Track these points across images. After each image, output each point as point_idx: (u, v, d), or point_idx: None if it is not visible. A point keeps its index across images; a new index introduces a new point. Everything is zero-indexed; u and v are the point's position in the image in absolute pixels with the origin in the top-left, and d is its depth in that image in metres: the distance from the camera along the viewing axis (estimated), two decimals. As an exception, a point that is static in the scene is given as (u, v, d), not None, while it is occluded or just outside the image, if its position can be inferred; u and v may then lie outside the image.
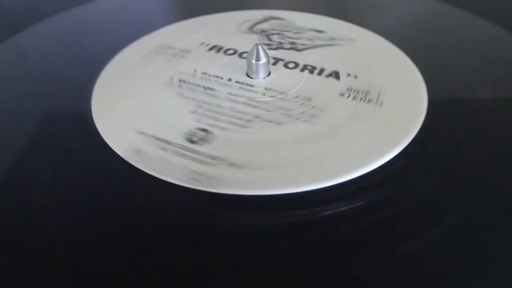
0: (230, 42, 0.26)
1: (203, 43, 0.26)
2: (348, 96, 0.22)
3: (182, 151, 0.19)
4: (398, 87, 0.22)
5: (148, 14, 0.32)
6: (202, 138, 0.20)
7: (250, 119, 0.21)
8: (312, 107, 0.21)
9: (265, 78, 0.23)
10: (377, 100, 0.21)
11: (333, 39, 0.26)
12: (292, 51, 0.25)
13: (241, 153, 0.19)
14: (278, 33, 0.27)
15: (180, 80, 0.23)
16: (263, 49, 0.23)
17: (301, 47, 0.26)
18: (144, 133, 0.20)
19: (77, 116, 0.22)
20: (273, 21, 0.29)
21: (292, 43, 0.26)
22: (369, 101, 0.21)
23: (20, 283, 0.15)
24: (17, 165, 0.19)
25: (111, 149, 0.19)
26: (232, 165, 0.18)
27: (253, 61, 0.23)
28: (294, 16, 0.29)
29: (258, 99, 0.22)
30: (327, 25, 0.28)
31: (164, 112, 0.21)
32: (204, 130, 0.20)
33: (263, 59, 0.23)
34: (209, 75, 0.23)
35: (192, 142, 0.19)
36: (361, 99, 0.22)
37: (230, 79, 0.23)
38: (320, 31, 0.27)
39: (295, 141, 0.19)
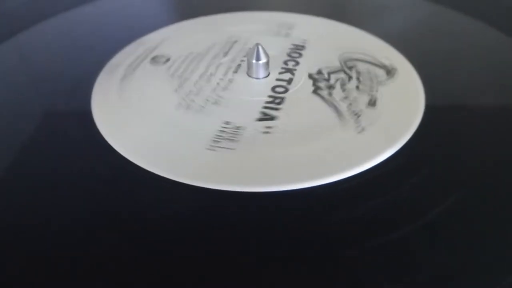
0: (312, 51, 0.25)
1: (304, 41, 0.26)
2: (223, 128, 0.20)
3: (143, 55, 0.25)
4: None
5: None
6: (157, 62, 0.25)
7: (183, 75, 0.23)
8: (192, 103, 0.21)
9: (254, 78, 0.23)
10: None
11: (356, 116, 0.20)
12: (310, 89, 0.22)
13: (132, 84, 0.23)
14: (349, 76, 0.23)
15: (234, 42, 0.26)
16: (263, 50, 0.22)
17: (322, 93, 0.22)
18: (164, 40, 0.27)
19: (78, 114, 0.22)
20: (378, 71, 0.23)
21: (330, 87, 0.22)
22: (216, 141, 0.19)
23: (22, 284, 0.15)
24: (18, 164, 0.19)
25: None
26: (122, 78, 0.23)
27: (253, 61, 0.23)
28: (406, 79, 0.23)
29: (213, 81, 0.23)
30: (397, 107, 0.21)
31: (187, 44, 0.26)
32: (167, 60, 0.25)
33: (263, 59, 0.23)
34: (246, 55, 0.25)
35: (153, 58, 0.25)
36: (218, 136, 0.19)
37: (240, 61, 0.24)
38: (372, 104, 0.21)
39: (168, 117, 0.21)
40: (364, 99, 0.22)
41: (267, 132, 0.20)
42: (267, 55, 0.23)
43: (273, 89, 0.22)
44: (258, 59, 0.23)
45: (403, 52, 0.25)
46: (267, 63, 0.23)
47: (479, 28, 0.28)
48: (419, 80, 0.23)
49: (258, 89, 0.22)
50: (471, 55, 0.26)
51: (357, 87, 0.22)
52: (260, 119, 0.20)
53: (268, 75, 0.23)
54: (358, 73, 0.23)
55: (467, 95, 0.23)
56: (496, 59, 0.26)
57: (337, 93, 0.22)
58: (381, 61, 0.24)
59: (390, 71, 0.24)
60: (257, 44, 0.23)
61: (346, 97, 0.22)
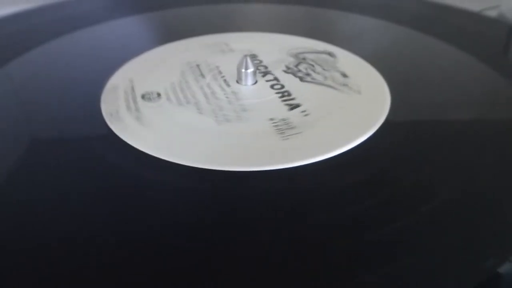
0: (265, 56, 0.30)
1: (250, 51, 0.31)
2: (274, 123, 0.23)
3: (129, 97, 0.25)
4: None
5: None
6: (150, 98, 0.25)
7: (190, 101, 0.25)
8: (227, 116, 0.24)
9: (245, 85, 0.26)
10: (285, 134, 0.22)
11: (345, 85, 0.26)
12: (296, 79, 0.27)
13: (152, 118, 0.24)
14: (310, 65, 0.29)
15: (196, 65, 0.29)
16: (251, 60, 0.26)
17: (308, 79, 0.27)
18: (132, 80, 0.27)
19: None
20: (323, 56, 0.30)
21: (307, 74, 0.28)
22: (281, 133, 0.22)
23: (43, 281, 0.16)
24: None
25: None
26: (137, 119, 0.23)
27: (242, 70, 0.26)
28: (346, 57, 0.30)
29: (222, 97, 0.25)
30: (358, 72, 0.28)
31: (158, 77, 0.28)
32: (158, 94, 0.26)
33: (251, 68, 0.26)
34: (220, 71, 0.28)
35: (143, 97, 0.25)
36: (278, 129, 0.22)
37: (221, 77, 0.27)
38: (345, 76, 0.27)
39: (179, 119, 0.23)
40: (337, 74, 0.28)
41: (307, 115, 0.24)
42: (253, 64, 0.27)
43: (272, 87, 0.26)
44: (247, 68, 0.26)
45: (327, 41, 0.33)
46: (255, 71, 0.27)
47: (447, 49, 0.34)
48: (354, 55, 0.31)
49: (263, 91, 0.26)
50: (431, 70, 0.31)
51: (324, 69, 0.29)
52: (291, 109, 0.24)
53: (256, 81, 0.27)
54: (313, 60, 0.30)
55: (396, 56, 0.32)
56: (454, 74, 0.30)
57: (316, 76, 0.28)
58: (318, 49, 0.31)
59: (330, 54, 0.31)
60: (245, 56, 0.26)
61: (325, 77, 0.27)
